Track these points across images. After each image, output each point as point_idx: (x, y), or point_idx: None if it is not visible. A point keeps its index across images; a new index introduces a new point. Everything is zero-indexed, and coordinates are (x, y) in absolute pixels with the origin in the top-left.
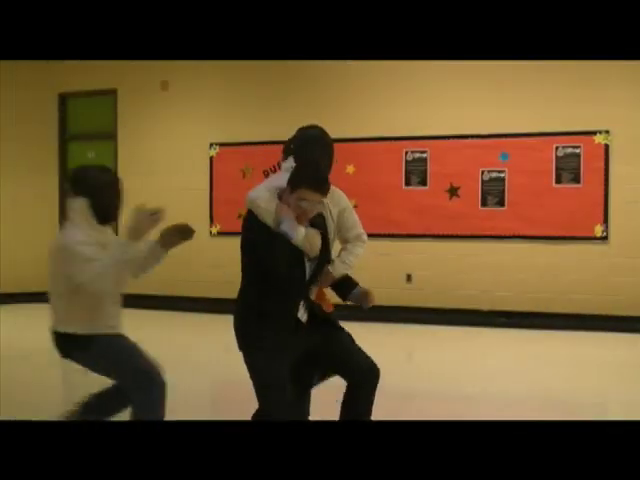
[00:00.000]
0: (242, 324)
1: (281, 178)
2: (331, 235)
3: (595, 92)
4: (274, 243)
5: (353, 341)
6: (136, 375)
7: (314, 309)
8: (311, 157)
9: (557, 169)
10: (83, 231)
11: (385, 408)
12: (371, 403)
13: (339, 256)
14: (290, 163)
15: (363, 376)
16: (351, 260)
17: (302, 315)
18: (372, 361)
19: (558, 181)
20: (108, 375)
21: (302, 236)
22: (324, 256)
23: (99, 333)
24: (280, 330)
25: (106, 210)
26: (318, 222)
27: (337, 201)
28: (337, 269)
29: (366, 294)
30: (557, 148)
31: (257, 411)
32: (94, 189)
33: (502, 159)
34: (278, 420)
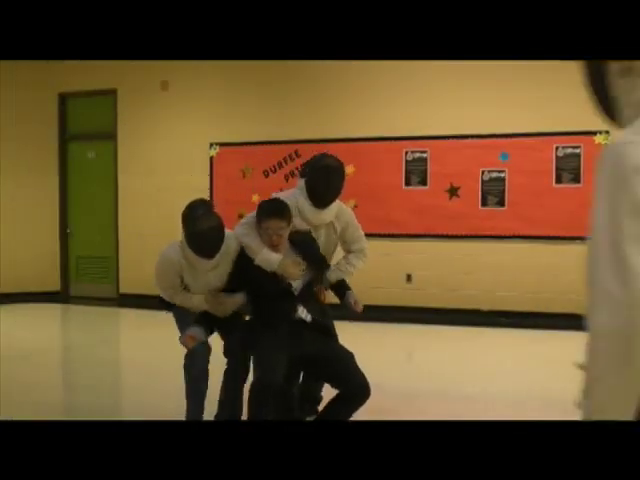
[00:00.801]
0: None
1: (290, 196)
2: (332, 247)
3: None
4: (253, 272)
5: (354, 358)
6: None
7: (326, 311)
8: (316, 184)
9: (557, 169)
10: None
11: (385, 408)
12: (352, 414)
13: (338, 263)
14: (302, 183)
15: (359, 392)
16: (347, 268)
17: (306, 316)
18: (367, 381)
19: (558, 181)
20: None
21: (277, 264)
22: (319, 266)
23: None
24: (280, 334)
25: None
26: (302, 239)
27: (341, 217)
28: (332, 274)
29: (352, 304)
30: (557, 148)
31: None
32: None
33: (502, 159)
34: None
